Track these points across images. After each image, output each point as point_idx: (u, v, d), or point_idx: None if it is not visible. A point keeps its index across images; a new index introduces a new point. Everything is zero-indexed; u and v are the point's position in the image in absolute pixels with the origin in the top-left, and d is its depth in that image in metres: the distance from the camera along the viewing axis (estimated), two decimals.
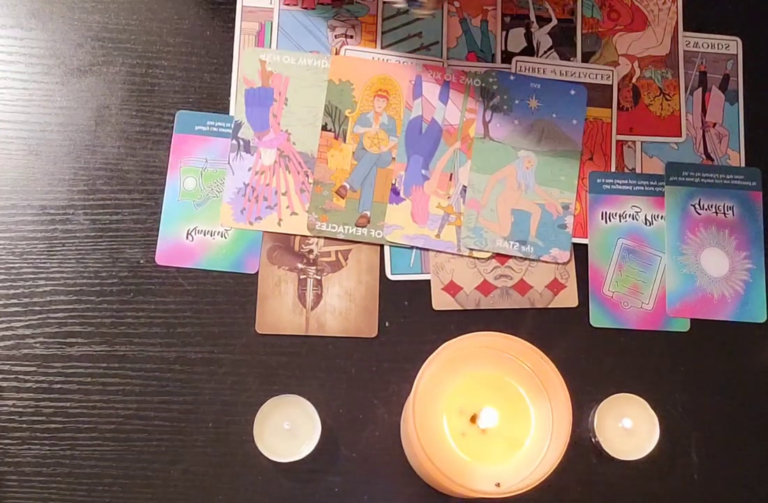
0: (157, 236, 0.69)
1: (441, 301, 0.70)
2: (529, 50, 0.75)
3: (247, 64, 0.73)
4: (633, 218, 0.72)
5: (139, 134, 0.71)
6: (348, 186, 0.71)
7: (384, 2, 0.73)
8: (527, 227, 0.71)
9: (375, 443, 0.66)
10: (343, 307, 0.69)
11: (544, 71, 0.74)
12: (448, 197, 0.71)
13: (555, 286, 0.70)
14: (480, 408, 0.58)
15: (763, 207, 0.73)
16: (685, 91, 0.75)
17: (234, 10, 0.74)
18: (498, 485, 0.56)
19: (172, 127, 0.71)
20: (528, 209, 0.71)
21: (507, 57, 0.74)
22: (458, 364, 0.59)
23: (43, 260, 0.68)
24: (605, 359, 0.69)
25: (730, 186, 0.73)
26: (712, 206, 0.72)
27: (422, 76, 0.73)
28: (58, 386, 0.66)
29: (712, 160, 0.74)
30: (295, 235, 0.70)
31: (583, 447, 0.67)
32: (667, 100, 0.75)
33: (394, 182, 0.71)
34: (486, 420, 0.57)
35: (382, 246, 0.71)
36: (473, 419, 0.58)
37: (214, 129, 0.72)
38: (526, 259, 0.71)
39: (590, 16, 0.76)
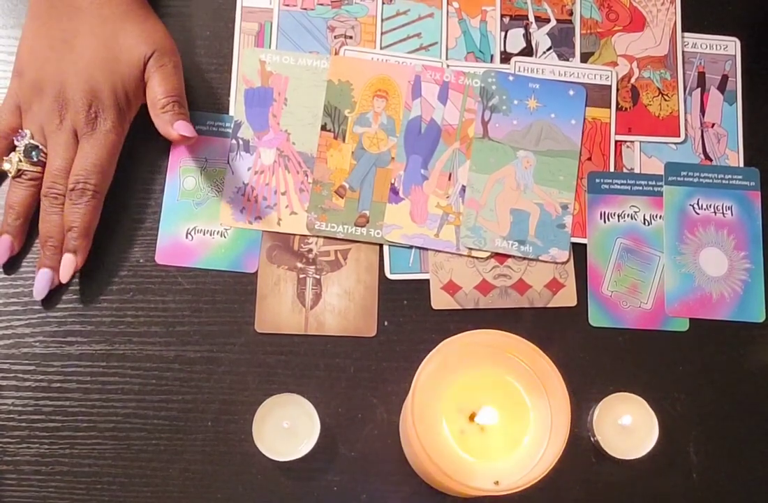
0: (156, 235, 0.69)
1: (440, 300, 0.70)
2: (528, 51, 0.75)
3: (246, 64, 0.73)
4: (632, 218, 0.72)
5: (139, 133, 0.71)
6: (347, 186, 0.71)
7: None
8: (526, 227, 0.71)
9: (374, 442, 0.66)
10: (342, 306, 0.69)
11: (542, 72, 0.74)
12: (447, 197, 0.71)
13: (554, 285, 0.70)
14: (479, 406, 0.58)
15: (761, 207, 0.73)
16: (684, 92, 0.75)
17: (234, 11, 0.74)
18: (497, 483, 0.56)
19: None
20: (527, 209, 0.71)
21: (506, 57, 0.75)
22: (457, 362, 0.59)
23: None
24: (604, 358, 0.69)
25: (729, 186, 0.73)
26: (710, 206, 0.73)
27: (421, 77, 0.73)
28: (58, 385, 0.66)
29: (711, 160, 0.74)
30: (295, 234, 0.70)
31: (581, 446, 0.67)
32: (665, 100, 0.75)
33: (393, 182, 0.71)
34: (485, 417, 0.57)
35: (381, 246, 0.71)
36: (472, 417, 0.59)
37: (214, 129, 0.72)
38: (525, 258, 0.71)
39: (589, 17, 0.76)
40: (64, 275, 0.66)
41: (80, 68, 0.65)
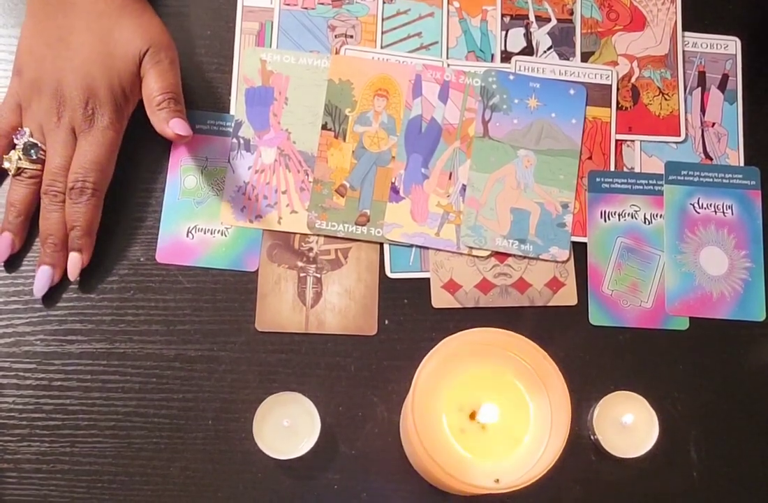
0: (157, 234, 0.70)
1: (440, 299, 0.70)
2: (529, 50, 0.75)
3: (247, 63, 0.73)
4: (632, 217, 0.72)
5: (140, 132, 0.71)
6: (348, 185, 0.71)
7: None
8: (526, 226, 0.71)
9: (374, 440, 0.66)
10: (342, 305, 0.69)
11: (543, 71, 0.74)
12: (448, 196, 0.71)
13: (554, 284, 0.70)
14: (479, 404, 0.58)
15: (762, 206, 0.73)
16: (684, 91, 0.75)
17: (234, 10, 0.74)
18: (497, 481, 0.56)
19: None
20: (527, 208, 0.71)
21: (506, 57, 0.75)
22: (457, 361, 0.59)
23: None
24: (604, 357, 0.69)
25: (729, 185, 0.73)
26: (711, 205, 0.73)
27: (422, 76, 0.73)
28: (58, 383, 0.66)
29: (711, 159, 0.74)
30: (295, 233, 0.70)
31: (582, 445, 0.67)
32: (666, 99, 0.75)
33: (393, 181, 0.71)
34: (486, 415, 0.58)
35: (381, 244, 0.71)
36: (472, 415, 0.59)
37: (215, 128, 0.72)
38: (525, 257, 0.71)
39: (589, 16, 0.76)
40: (72, 274, 0.66)
41: (76, 65, 0.65)
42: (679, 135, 0.74)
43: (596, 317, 0.70)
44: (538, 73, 0.74)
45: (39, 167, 0.66)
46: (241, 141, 0.72)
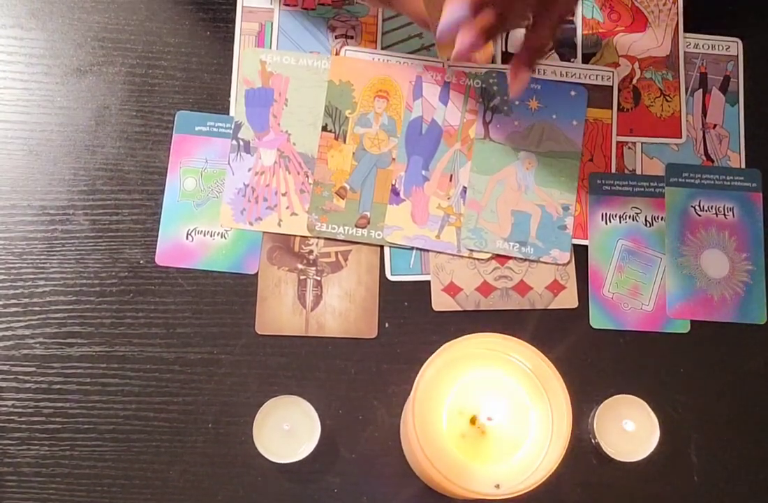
0: (156, 236, 0.69)
1: (441, 302, 0.69)
2: None
3: (247, 64, 0.73)
4: (633, 219, 0.72)
5: (139, 134, 0.71)
6: (348, 187, 0.71)
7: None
8: (527, 228, 0.71)
9: (374, 444, 0.66)
10: (342, 308, 0.69)
11: (544, 72, 0.74)
12: (448, 198, 0.71)
13: (555, 287, 0.70)
14: (480, 409, 0.58)
15: (763, 208, 0.73)
16: (686, 93, 0.75)
17: (234, 11, 0.74)
18: (498, 486, 0.56)
19: (172, 127, 0.71)
20: (528, 210, 0.71)
21: (507, 58, 0.74)
22: (458, 365, 0.58)
23: (42, 261, 0.68)
24: (605, 360, 0.69)
25: (731, 187, 0.73)
26: (712, 208, 0.72)
27: (422, 77, 0.73)
28: (58, 386, 0.66)
29: (713, 161, 0.74)
30: (295, 235, 0.70)
31: (583, 449, 0.67)
32: (667, 101, 0.75)
33: (394, 183, 0.71)
34: (488, 413, 0.57)
35: (382, 247, 0.70)
36: (473, 420, 0.58)
37: (214, 129, 0.72)
38: (526, 260, 0.71)
39: (591, 17, 0.76)
40: None
41: None
42: (680, 137, 0.74)
43: (597, 320, 0.70)
44: (539, 75, 0.74)
45: None
46: (241, 143, 0.71)
